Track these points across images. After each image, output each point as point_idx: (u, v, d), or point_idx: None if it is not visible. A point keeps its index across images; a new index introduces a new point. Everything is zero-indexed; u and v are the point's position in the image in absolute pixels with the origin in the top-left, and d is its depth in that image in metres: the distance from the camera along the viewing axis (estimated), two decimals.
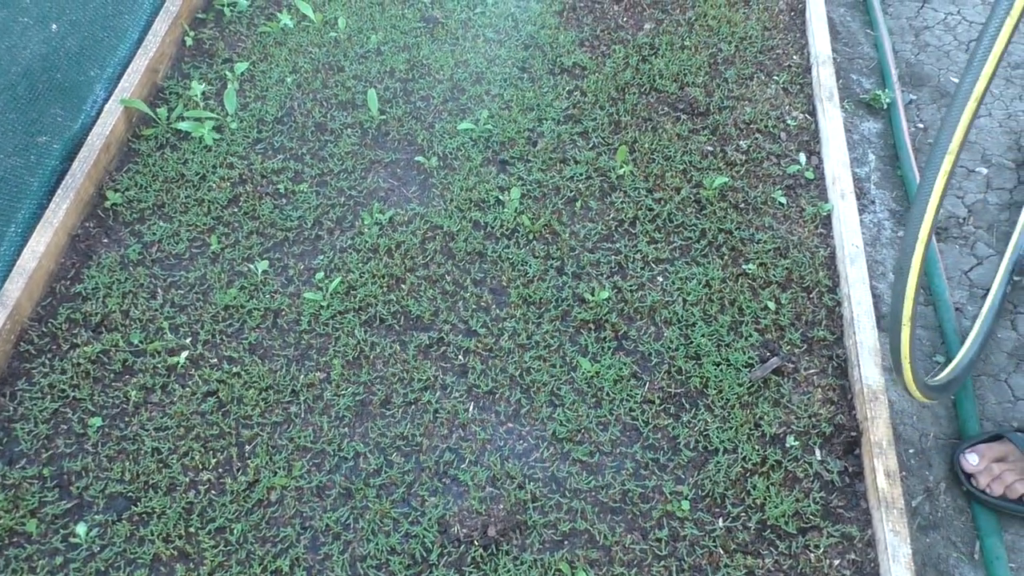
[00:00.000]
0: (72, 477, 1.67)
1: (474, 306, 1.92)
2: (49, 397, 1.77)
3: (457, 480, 1.67)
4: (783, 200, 2.12)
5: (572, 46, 2.47)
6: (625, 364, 1.82)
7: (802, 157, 2.21)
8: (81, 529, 1.59)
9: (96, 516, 1.62)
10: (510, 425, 1.75)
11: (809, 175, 2.18)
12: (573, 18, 2.58)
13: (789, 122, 2.29)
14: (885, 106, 2.47)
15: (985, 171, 2.35)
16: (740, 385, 1.78)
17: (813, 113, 2.33)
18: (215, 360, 1.84)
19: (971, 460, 1.68)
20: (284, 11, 2.59)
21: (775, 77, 2.41)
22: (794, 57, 2.47)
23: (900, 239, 2.15)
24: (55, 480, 1.67)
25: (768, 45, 2.49)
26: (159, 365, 1.82)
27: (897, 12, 2.80)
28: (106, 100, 2.26)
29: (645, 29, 2.54)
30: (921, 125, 2.46)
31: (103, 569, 1.55)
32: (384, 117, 2.29)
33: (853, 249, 1.98)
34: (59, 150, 2.13)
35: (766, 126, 2.28)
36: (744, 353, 1.83)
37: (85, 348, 1.84)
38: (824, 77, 2.36)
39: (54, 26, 2.58)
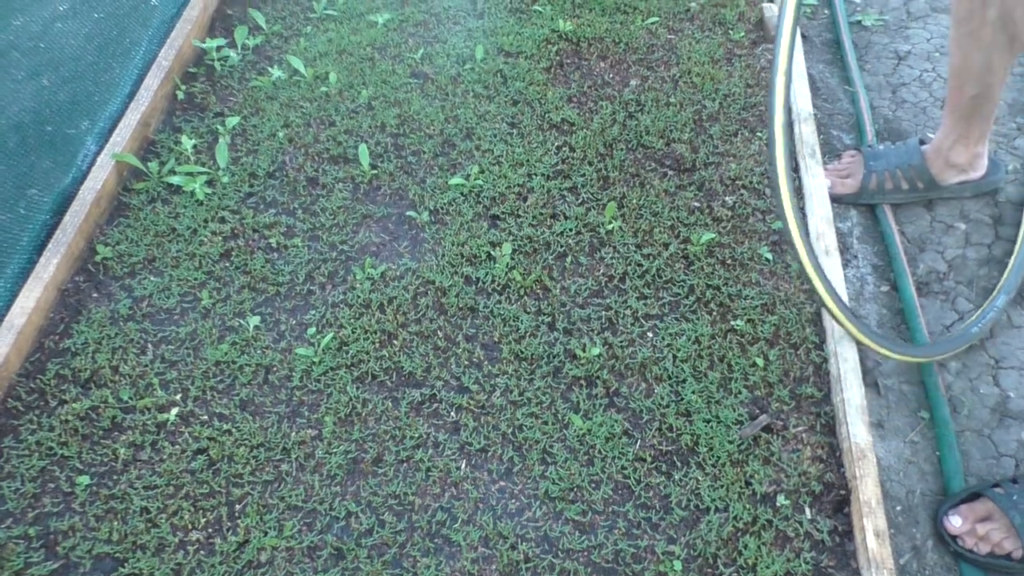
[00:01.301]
0: (59, 537, 1.65)
1: (466, 362, 1.93)
2: (36, 455, 1.76)
3: (449, 540, 1.66)
4: (769, 256, 2.15)
5: (560, 102, 2.51)
6: (617, 421, 1.83)
7: None
8: None
9: None
10: (502, 483, 1.75)
11: None
12: (561, 75, 2.63)
13: None
14: None
15: (964, 227, 2.40)
16: (731, 443, 1.79)
17: (796, 169, 2.38)
18: (205, 417, 1.83)
19: (954, 522, 1.70)
20: (275, 66, 2.62)
21: (758, 133, 2.46)
22: None
23: (883, 292, 2.19)
24: (41, 540, 1.64)
25: (751, 102, 2.55)
26: (148, 422, 1.81)
27: (874, 69, 2.88)
28: (97, 153, 2.27)
29: (631, 86, 2.59)
30: None
31: None
32: (375, 172, 2.32)
33: None
34: (49, 204, 2.14)
35: (751, 182, 2.32)
36: (734, 410, 1.85)
37: (74, 405, 1.83)
38: (806, 134, 2.41)
39: (45, 81, 2.60)
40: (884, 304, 2.18)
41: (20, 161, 2.35)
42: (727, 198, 2.29)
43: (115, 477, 1.74)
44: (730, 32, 2.78)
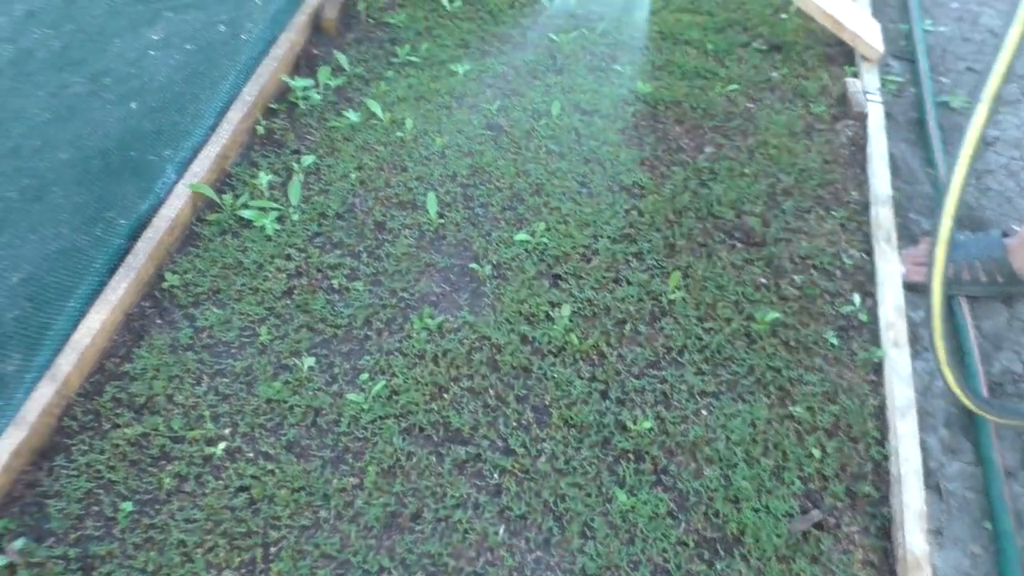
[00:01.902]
0: (97, 562, 1.67)
1: (515, 423, 1.91)
2: (85, 476, 1.79)
3: None
4: (835, 341, 2.09)
5: (633, 164, 2.50)
6: (662, 500, 1.78)
7: (856, 298, 2.19)
8: None
9: None
10: (539, 554, 1.71)
11: (863, 317, 2.15)
12: (635, 136, 2.61)
13: (845, 260, 2.28)
14: None
15: None
16: (778, 536, 1.73)
17: (870, 253, 2.31)
18: (251, 454, 1.84)
19: None
20: (354, 108, 2.67)
21: (833, 212, 2.40)
22: (853, 193, 2.47)
23: (947, 388, 2.10)
24: (79, 563, 1.66)
25: (828, 179, 2.50)
26: (196, 454, 1.83)
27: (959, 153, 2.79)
28: (176, 182, 2.33)
29: (705, 152, 2.56)
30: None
31: None
32: (442, 221, 2.33)
33: (904, 401, 1.94)
34: (125, 228, 2.20)
35: (822, 263, 2.26)
36: (785, 501, 1.78)
37: (126, 430, 1.85)
38: (883, 218, 2.34)
39: (133, 105, 2.69)
40: (953, 402, 2.09)
41: (102, 184, 2.44)
42: (796, 277, 2.24)
43: (157, 507, 1.75)
44: (811, 105, 2.74)
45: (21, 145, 2.59)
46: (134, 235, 2.20)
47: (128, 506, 1.74)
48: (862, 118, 2.70)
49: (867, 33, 2.87)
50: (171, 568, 1.66)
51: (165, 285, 2.15)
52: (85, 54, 2.93)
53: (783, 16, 3.10)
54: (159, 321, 2.09)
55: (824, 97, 2.79)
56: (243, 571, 1.67)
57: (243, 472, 1.80)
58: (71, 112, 2.69)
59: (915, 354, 2.18)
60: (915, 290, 2.28)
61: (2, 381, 1.93)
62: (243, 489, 1.78)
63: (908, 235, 2.49)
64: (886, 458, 1.88)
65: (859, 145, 2.64)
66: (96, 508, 1.75)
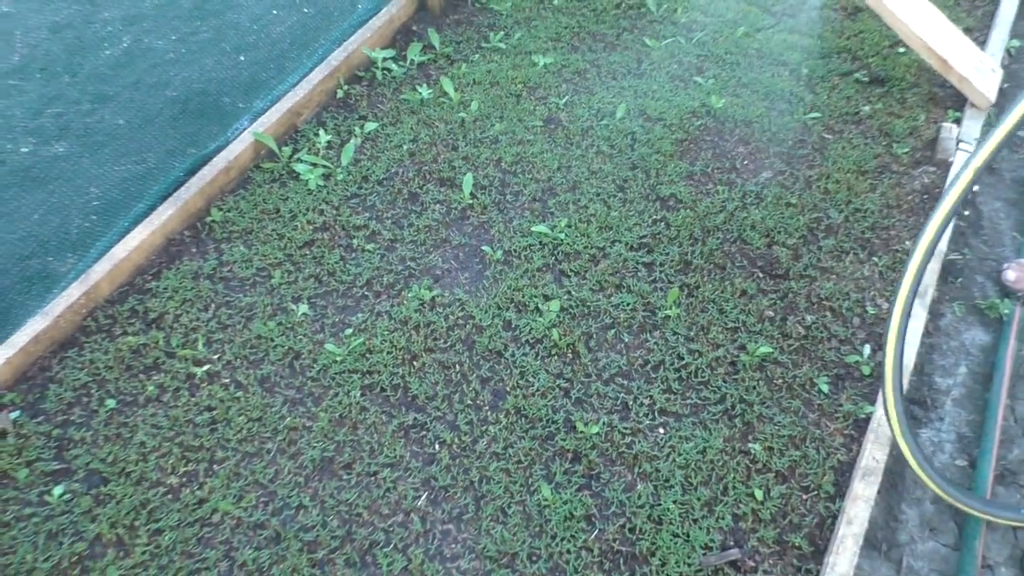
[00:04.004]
0: (70, 444, 1.89)
1: (469, 402, 1.96)
2: (86, 371, 2.02)
3: (376, 561, 1.71)
4: (825, 388, 1.99)
5: (677, 177, 2.46)
6: (584, 504, 1.78)
7: (867, 349, 2.06)
8: (57, 491, 1.80)
9: (73, 484, 1.82)
10: (449, 526, 1.77)
11: (866, 370, 2.03)
12: (692, 149, 2.57)
13: (869, 309, 2.15)
14: (1001, 319, 2.24)
15: None
16: (688, 565, 1.69)
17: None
18: (227, 380, 2.01)
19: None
20: (429, 85, 2.79)
21: (875, 258, 2.26)
22: (906, 242, 2.31)
23: (956, 466, 1.95)
24: (57, 442, 1.89)
25: (882, 223, 2.35)
26: (181, 371, 2.02)
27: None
28: (245, 129, 2.54)
29: (760, 177, 2.48)
30: None
31: (54, 531, 1.74)
32: (472, 202, 2.40)
33: (872, 463, 1.82)
34: (188, 164, 2.43)
35: (840, 306, 2.15)
36: (708, 533, 1.74)
37: (131, 338, 2.08)
38: (926, 272, 2.18)
39: (242, 57, 2.94)
40: (952, 478, 1.94)
41: (193, 123, 2.70)
42: (807, 316, 2.14)
43: (135, 408, 1.96)
44: (894, 145, 2.58)
45: (141, 80, 2.91)
46: (194, 171, 2.42)
47: (111, 403, 1.95)
48: (945, 166, 2.51)
49: (979, 78, 2.66)
50: (127, 463, 1.85)
51: (208, 219, 2.37)
52: (221, 7, 3.23)
53: (901, 50, 2.91)
54: (194, 250, 2.31)
55: (912, 139, 2.61)
56: (184, 479, 1.83)
57: (215, 394, 1.97)
58: (190, 57, 2.99)
59: (925, 422, 2.04)
60: (1011, 297, 2.24)
61: (54, 278, 2.21)
62: (209, 409, 1.95)
63: (967, 297, 2.30)
64: (833, 517, 1.78)
65: (932, 194, 2.46)
66: (86, 399, 1.97)
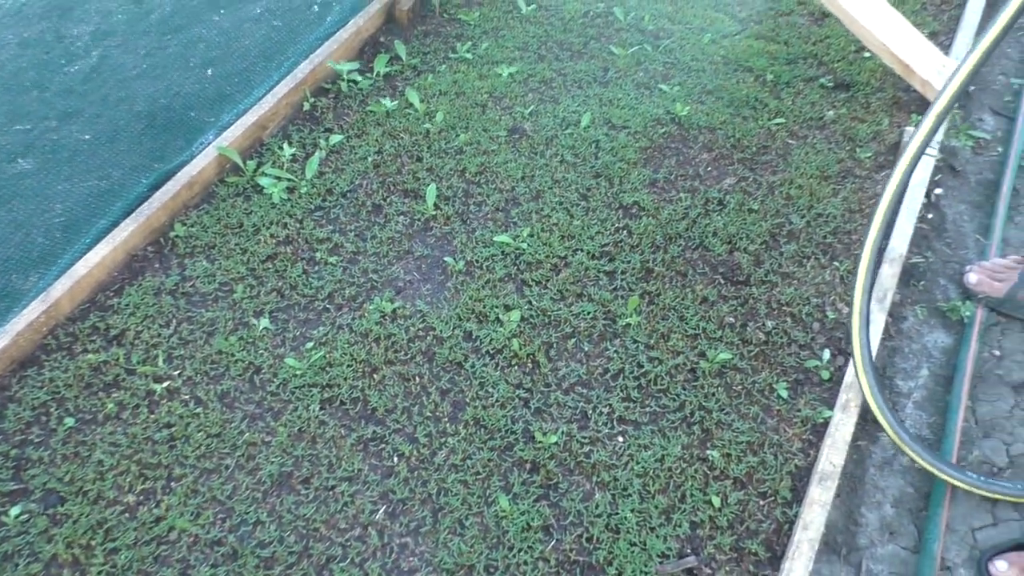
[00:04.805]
0: (28, 464, 1.89)
1: (429, 414, 1.97)
2: (45, 390, 2.02)
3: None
4: (784, 394, 1.99)
5: (641, 184, 2.47)
6: (541, 514, 1.78)
7: (826, 354, 2.07)
8: (14, 511, 1.79)
9: (30, 504, 1.81)
10: (407, 540, 1.77)
11: (824, 375, 2.03)
12: (656, 157, 2.58)
13: (829, 314, 2.15)
14: (962, 320, 2.25)
15: None
16: (645, 574, 1.69)
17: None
18: (187, 396, 2.01)
19: (1000, 567, 1.71)
20: (395, 96, 2.80)
21: (836, 263, 2.27)
22: None
23: (915, 468, 1.95)
24: (14, 462, 1.89)
25: (844, 228, 2.36)
26: (141, 387, 2.02)
27: (1023, 223, 2.55)
28: (210, 143, 2.54)
29: (724, 183, 2.49)
30: (997, 352, 2.22)
31: (10, 552, 1.73)
32: (435, 213, 2.41)
33: (829, 467, 1.83)
34: (151, 179, 2.43)
35: (800, 311, 2.15)
36: (665, 542, 1.74)
37: (92, 355, 2.07)
38: (885, 276, 2.19)
39: (210, 71, 2.95)
40: (911, 481, 1.94)
41: (159, 138, 2.70)
42: (767, 322, 2.14)
43: (94, 427, 1.95)
44: (857, 150, 2.59)
45: (109, 95, 2.91)
46: (158, 186, 2.43)
47: (70, 421, 1.95)
48: None
49: (941, 82, 2.67)
50: (84, 481, 1.85)
51: (172, 234, 2.37)
52: (190, 20, 3.23)
53: (866, 55, 2.93)
54: (157, 265, 2.31)
55: (875, 143, 2.62)
56: (142, 497, 1.83)
57: (174, 411, 1.97)
58: (158, 71, 2.99)
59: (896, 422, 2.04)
60: (978, 300, 2.23)
61: (15, 296, 2.21)
62: (168, 426, 1.95)
63: (929, 300, 2.31)
64: (791, 522, 1.79)
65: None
66: (44, 418, 1.97)
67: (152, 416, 1.97)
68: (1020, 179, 2.62)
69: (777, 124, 2.67)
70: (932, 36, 3.04)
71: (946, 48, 2.96)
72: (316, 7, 3.30)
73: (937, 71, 2.70)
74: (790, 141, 2.63)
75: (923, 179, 2.47)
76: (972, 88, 2.91)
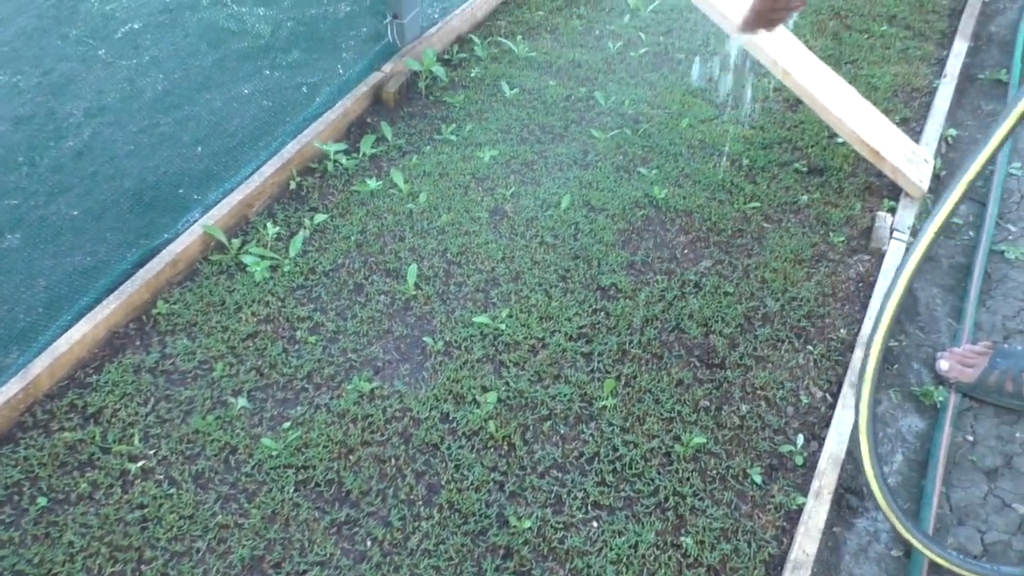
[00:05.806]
0: None
1: (403, 497, 1.96)
2: (19, 468, 2.01)
3: None
4: (758, 479, 2.00)
5: (619, 266, 2.51)
6: None
7: (800, 439, 2.09)
8: None
9: None
10: None
11: (798, 460, 2.05)
12: (634, 239, 2.63)
13: (803, 398, 2.18)
14: (936, 405, 2.28)
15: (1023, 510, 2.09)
16: None
17: (835, 396, 2.20)
18: (161, 477, 2.01)
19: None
20: (379, 177, 2.86)
21: (810, 347, 2.31)
22: (841, 331, 2.36)
23: (892, 557, 1.95)
24: None
25: (817, 312, 2.40)
26: (116, 467, 2.02)
27: (995, 307, 2.59)
28: (195, 221, 2.59)
29: (700, 266, 2.54)
30: (971, 438, 2.24)
31: None
32: (416, 293, 2.44)
33: (803, 556, 1.83)
34: (135, 256, 2.46)
35: (774, 396, 2.18)
36: None
37: (68, 434, 2.07)
38: (859, 359, 2.22)
39: (199, 149, 3.01)
40: (887, 568, 1.95)
41: (146, 215, 2.74)
42: (742, 406, 2.16)
43: (66, 507, 1.94)
44: (830, 234, 2.65)
45: (99, 172, 2.96)
46: (143, 263, 2.46)
47: (43, 501, 1.94)
48: (879, 255, 2.57)
49: (911, 169, 2.75)
50: (54, 564, 1.83)
51: (154, 311, 2.39)
52: (181, 100, 3.31)
53: (839, 140, 3.02)
54: (137, 343, 2.32)
55: (848, 228, 2.69)
56: None
57: (147, 491, 1.97)
58: (149, 149, 3.05)
59: (860, 512, 2.05)
60: (950, 387, 2.27)
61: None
62: (141, 507, 1.94)
63: (903, 384, 2.34)
64: None
65: (867, 282, 2.52)
66: (16, 498, 1.96)
67: (125, 496, 1.96)
68: (991, 263, 2.68)
69: (752, 208, 2.73)
70: (903, 123, 3.13)
71: (916, 135, 3.05)
72: (305, 88, 3.39)
73: (907, 158, 2.78)
74: (765, 225, 2.69)
75: (895, 263, 2.52)
76: (943, 173, 2.99)
